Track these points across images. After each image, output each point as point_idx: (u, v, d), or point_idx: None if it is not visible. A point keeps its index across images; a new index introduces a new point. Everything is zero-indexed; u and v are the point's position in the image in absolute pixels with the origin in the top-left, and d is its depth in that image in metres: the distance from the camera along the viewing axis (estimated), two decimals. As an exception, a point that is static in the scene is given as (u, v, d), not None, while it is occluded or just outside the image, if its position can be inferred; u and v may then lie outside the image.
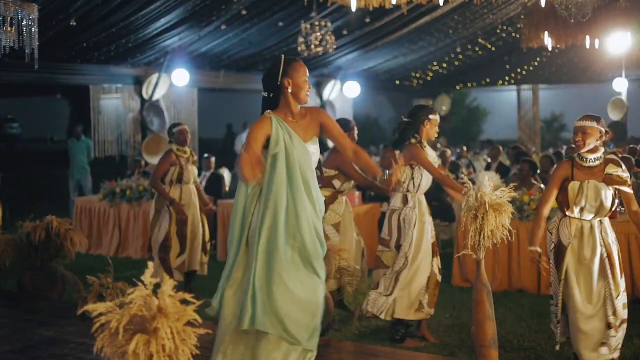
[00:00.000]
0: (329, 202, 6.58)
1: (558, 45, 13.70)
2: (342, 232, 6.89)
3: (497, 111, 32.02)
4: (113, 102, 14.68)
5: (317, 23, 12.66)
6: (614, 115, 19.75)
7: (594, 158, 5.24)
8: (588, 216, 5.26)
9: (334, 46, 13.07)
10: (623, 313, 5.26)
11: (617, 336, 5.23)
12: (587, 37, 12.64)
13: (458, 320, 7.33)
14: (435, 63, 20.50)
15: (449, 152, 14.59)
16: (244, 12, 12.88)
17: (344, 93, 19.26)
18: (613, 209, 5.27)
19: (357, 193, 9.92)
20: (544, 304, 7.82)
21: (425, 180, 6.51)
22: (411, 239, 6.35)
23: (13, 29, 8.82)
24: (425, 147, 6.52)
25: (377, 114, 32.65)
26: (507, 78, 21.78)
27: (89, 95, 14.34)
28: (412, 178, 6.47)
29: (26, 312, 7.01)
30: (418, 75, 21.59)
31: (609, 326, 5.18)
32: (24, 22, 8.93)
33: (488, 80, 22.24)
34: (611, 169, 5.20)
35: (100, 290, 6.93)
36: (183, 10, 12.45)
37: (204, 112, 17.16)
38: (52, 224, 7.79)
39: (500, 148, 13.90)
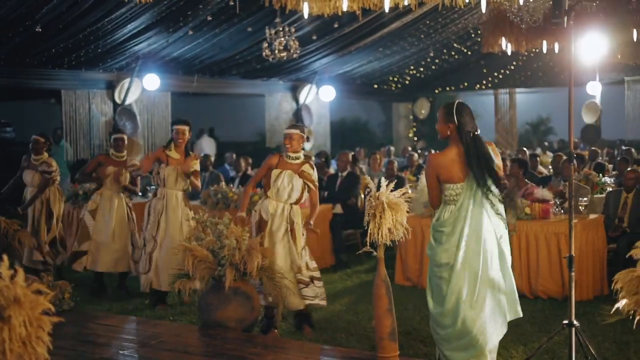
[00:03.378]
0: None
1: (520, 50, 13.93)
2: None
3: (480, 114, 32.24)
4: (85, 107, 14.93)
5: (280, 29, 12.92)
6: (588, 119, 20.03)
7: None
8: None
9: (298, 51, 13.32)
10: None
11: None
12: (545, 41, 12.87)
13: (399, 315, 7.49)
14: (412, 67, 20.78)
15: (416, 155, 14.82)
16: (209, 17, 13.15)
17: (320, 97, 19.53)
18: None
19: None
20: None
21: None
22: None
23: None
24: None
25: (367, 117, 32.88)
26: (484, 82, 22.04)
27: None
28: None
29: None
30: (396, 79, 21.86)
31: None
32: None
33: (466, 84, 22.50)
34: None
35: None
36: (150, 16, 12.71)
37: (178, 116, 17.37)
38: (1, 224, 8.03)
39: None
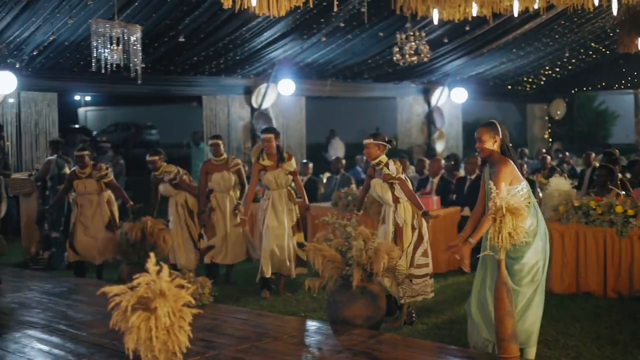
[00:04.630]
0: None
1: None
2: None
3: (619, 115, 31.13)
4: (224, 111, 15.68)
5: (411, 33, 13.13)
6: None
7: None
8: None
9: (429, 55, 13.49)
10: None
11: None
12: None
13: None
14: (547, 68, 20.46)
15: (549, 158, 14.64)
16: (342, 24, 13.53)
17: (452, 99, 19.57)
18: None
19: (435, 198, 10.31)
20: (606, 306, 8.05)
21: None
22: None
23: (120, 47, 9.80)
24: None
25: (502, 119, 32.43)
26: (623, 82, 21.39)
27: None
28: None
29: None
30: (531, 79, 21.57)
31: None
32: (130, 41, 9.89)
33: (604, 84, 21.92)
34: None
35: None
36: (285, 24, 13.24)
37: (312, 119, 17.92)
38: (147, 224, 8.68)
39: (593, 155, 13.75)
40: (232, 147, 15.84)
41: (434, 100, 19.46)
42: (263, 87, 15.65)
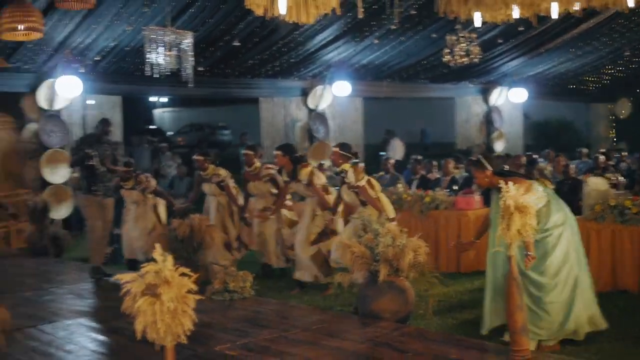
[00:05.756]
0: None
1: None
2: None
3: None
4: (281, 113, 16.11)
5: (462, 35, 13.26)
6: None
7: None
8: None
9: (479, 56, 13.58)
10: None
11: None
12: None
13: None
14: (609, 67, 20.22)
15: (602, 158, 14.58)
16: (393, 27, 13.76)
17: (510, 99, 19.58)
18: None
19: (477, 197, 10.47)
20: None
21: None
22: None
23: (172, 52, 10.29)
24: None
25: (566, 118, 32.06)
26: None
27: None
28: None
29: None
30: (593, 79, 21.35)
31: None
32: (182, 46, 10.36)
33: (671, 83, 21.53)
34: None
35: (225, 277, 8.19)
36: (337, 27, 13.58)
37: (369, 119, 18.18)
38: (195, 221, 9.13)
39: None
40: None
41: (492, 100, 19.48)
42: (319, 88, 16.00)
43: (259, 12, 6.69)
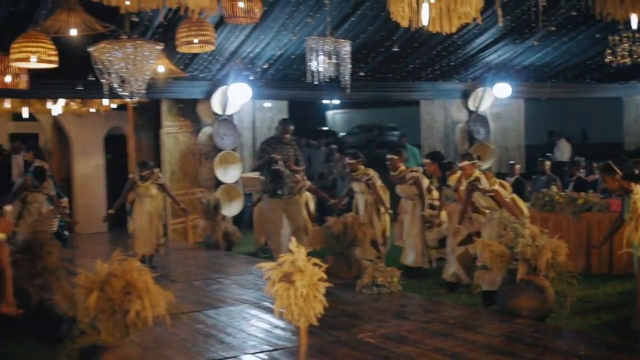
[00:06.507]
0: None
1: None
2: None
3: None
4: (442, 114, 16.41)
5: (625, 35, 13.07)
6: None
7: None
8: None
9: (643, 56, 13.32)
10: None
11: None
12: None
13: None
14: None
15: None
16: (553, 28, 13.77)
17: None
18: None
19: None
20: None
21: None
22: None
23: (331, 60, 10.92)
24: None
25: None
26: None
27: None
28: None
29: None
30: None
31: None
32: (340, 54, 10.95)
33: None
34: None
35: (374, 272, 8.71)
36: (497, 30, 13.71)
37: (531, 121, 18.10)
38: (349, 219, 9.72)
39: None
40: (449, 149, 16.53)
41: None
42: (480, 90, 16.16)
43: (404, 23, 7.11)
